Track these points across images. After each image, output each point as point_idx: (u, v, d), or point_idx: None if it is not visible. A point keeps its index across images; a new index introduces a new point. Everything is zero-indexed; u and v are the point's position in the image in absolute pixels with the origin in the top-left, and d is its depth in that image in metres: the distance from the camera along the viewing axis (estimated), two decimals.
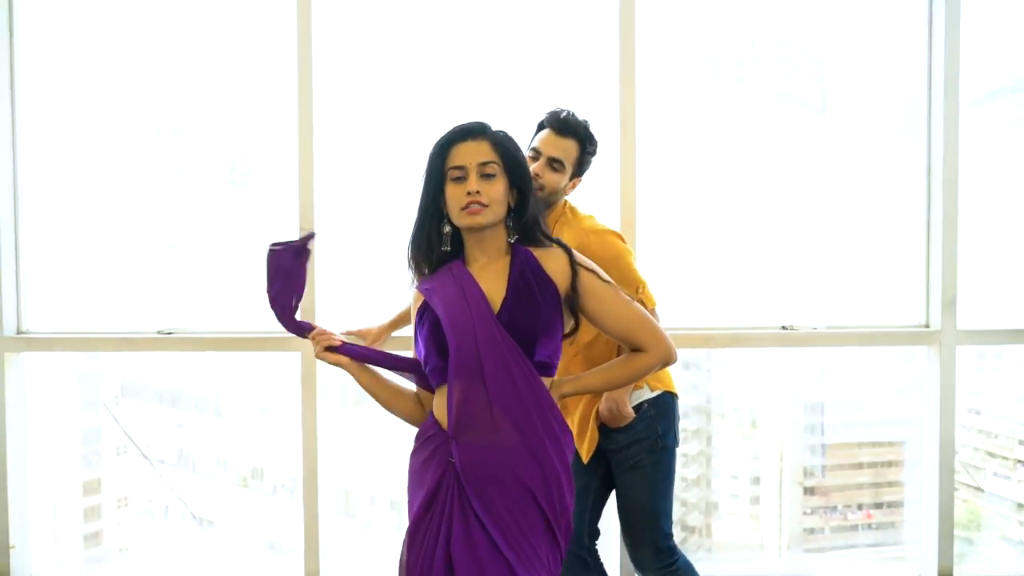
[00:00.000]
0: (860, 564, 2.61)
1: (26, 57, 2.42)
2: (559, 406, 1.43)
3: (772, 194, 2.52)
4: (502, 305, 1.39)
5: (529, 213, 1.44)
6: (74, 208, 2.51)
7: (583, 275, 1.42)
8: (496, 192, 1.39)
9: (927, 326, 2.36)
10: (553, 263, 1.42)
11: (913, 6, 2.39)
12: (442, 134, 1.45)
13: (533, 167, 1.83)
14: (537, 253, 1.43)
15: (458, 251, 1.46)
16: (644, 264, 2.15)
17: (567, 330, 1.45)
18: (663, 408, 1.88)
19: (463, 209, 1.39)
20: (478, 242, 1.44)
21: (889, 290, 2.46)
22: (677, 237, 2.46)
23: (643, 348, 1.46)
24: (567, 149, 1.85)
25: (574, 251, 1.46)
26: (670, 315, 2.12)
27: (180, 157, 2.55)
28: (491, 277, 1.42)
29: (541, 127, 1.92)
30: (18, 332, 2.39)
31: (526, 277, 1.40)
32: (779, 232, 2.51)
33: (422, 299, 1.44)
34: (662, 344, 1.46)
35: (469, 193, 1.38)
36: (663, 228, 2.39)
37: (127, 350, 2.42)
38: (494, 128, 1.45)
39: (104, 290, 2.50)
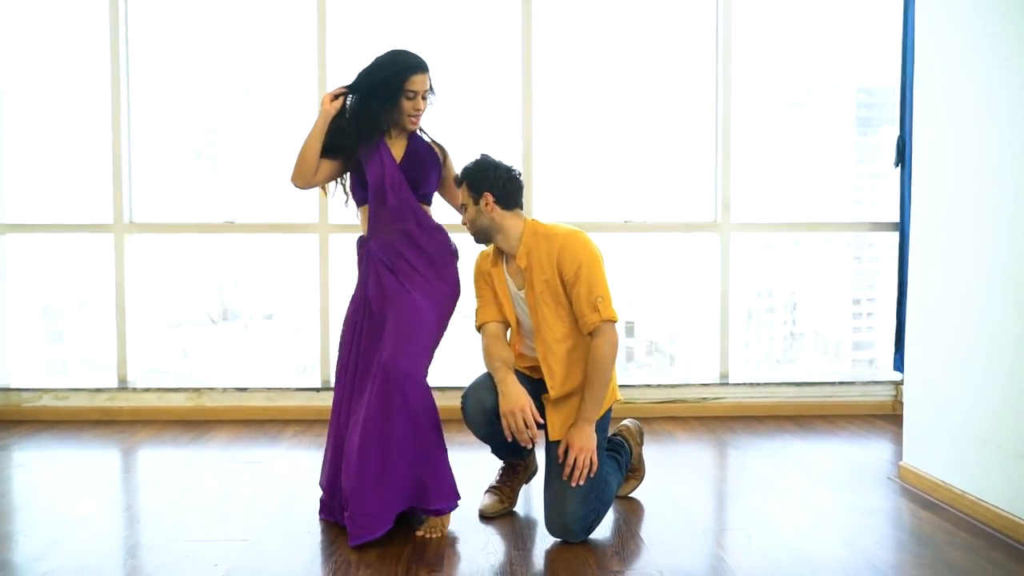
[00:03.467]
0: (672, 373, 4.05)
1: (136, 57, 3.67)
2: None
3: (627, 137, 3.91)
4: (402, 160, 2.24)
5: None
6: (168, 134, 3.81)
7: (449, 165, 2.35)
8: (425, 106, 2.22)
9: (716, 221, 3.75)
10: (438, 147, 2.34)
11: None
12: (401, 60, 2.16)
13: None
14: (426, 139, 2.33)
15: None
16: (539, 174, 3.54)
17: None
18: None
19: (410, 116, 2.20)
20: (400, 129, 2.25)
21: (697, 198, 3.85)
22: (564, 161, 3.82)
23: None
24: (462, 194, 2.22)
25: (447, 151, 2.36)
26: (557, 212, 3.52)
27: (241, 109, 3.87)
28: (398, 146, 2.25)
29: None
30: (130, 220, 3.67)
31: (418, 149, 2.26)
32: (629, 159, 3.90)
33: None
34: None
35: (417, 109, 2.20)
36: (553, 154, 3.74)
37: (204, 232, 3.71)
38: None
39: (185, 191, 3.81)
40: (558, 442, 2.12)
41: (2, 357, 3.64)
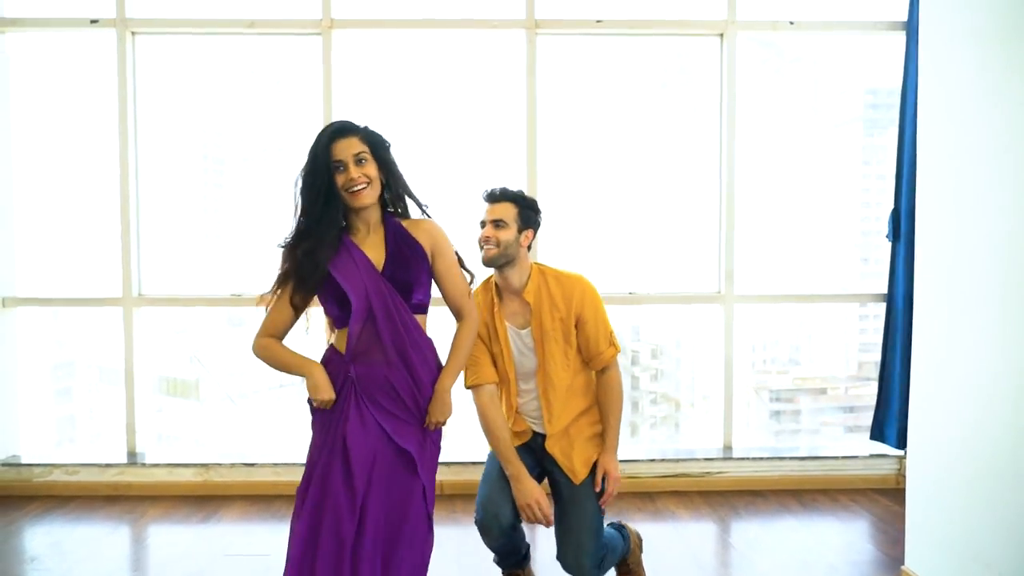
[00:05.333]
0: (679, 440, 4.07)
1: (143, 117, 3.70)
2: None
3: (631, 208, 3.93)
4: (384, 265, 1.82)
5: (399, 188, 1.89)
6: (174, 211, 3.85)
7: (442, 241, 1.92)
8: (362, 174, 1.79)
9: (719, 292, 3.77)
10: (421, 230, 1.88)
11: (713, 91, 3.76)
12: (319, 136, 1.83)
13: (483, 233, 2.19)
14: (406, 224, 1.89)
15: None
16: (543, 245, 3.56)
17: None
18: None
19: (348, 192, 1.79)
20: (364, 222, 1.85)
21: (700, 270, 3.86)
22: (568, 232, 3.83)
23: (463, 314, 1.96)
24: (504, 210, 2.19)
25: (436, 224, 1.94)
26: None
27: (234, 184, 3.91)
28: (373, 246, 1.84)
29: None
30: (139, 294, 3.70)
31: (399, 244, 1.84)
32: (630, 230, 3.91)
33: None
34: (474, 312, 1.98)
35: (351, 179, 1.77)
36: (557, 225, 3.75)
37: (211, 305, 3.75)
38: (361, 125, 1.86)
39: (193, 266, 3.84)
40: (565, 488, 2.24)
41: (14, 431, 3.69)
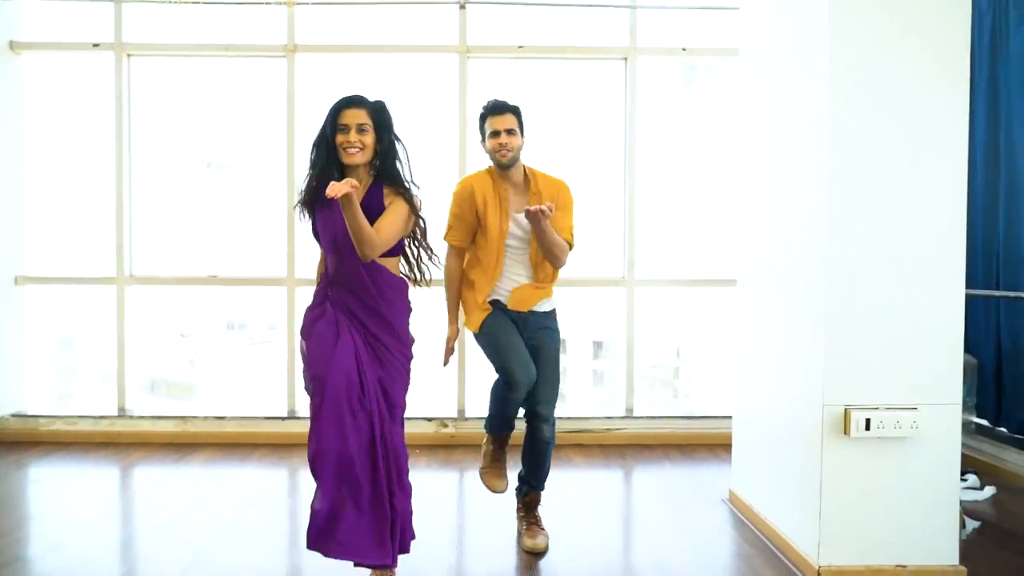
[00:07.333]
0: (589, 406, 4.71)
1: (136, 124, 4.39)
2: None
3: None
4: None
5: (389, 161, 2.25)
6: (165, 205, 4.53)
7: (399, 207, 2.22)
8: (360, 139, 2.20)
9: (623, 277, 4.41)
10: (391, 193, 2.25)
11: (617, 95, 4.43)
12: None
13: (499, 141, 2.54)
14: (387, 188, 2.26)
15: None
16: None
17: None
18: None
19: (344, 148, 2.20)
20: (350, 173, 2.24)
21: (611, 258, 4.51)
22: None
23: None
24: (511, 120, 2.58)
25: (409, 194, 2.27)
26: None
27: (219, 179, 4.59)
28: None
29: (483, 119, 2.63)
30: (130, 274, 4.38)
31: (370, 198, 2.22)
32: None
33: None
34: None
35: (349, 141, 2.19)
36: None
37: (193, 284, 4.42)
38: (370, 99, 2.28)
39: (176, 249, 4.52)
40: (535, 352, 2.64)
41: (22, 388, 4.36)
